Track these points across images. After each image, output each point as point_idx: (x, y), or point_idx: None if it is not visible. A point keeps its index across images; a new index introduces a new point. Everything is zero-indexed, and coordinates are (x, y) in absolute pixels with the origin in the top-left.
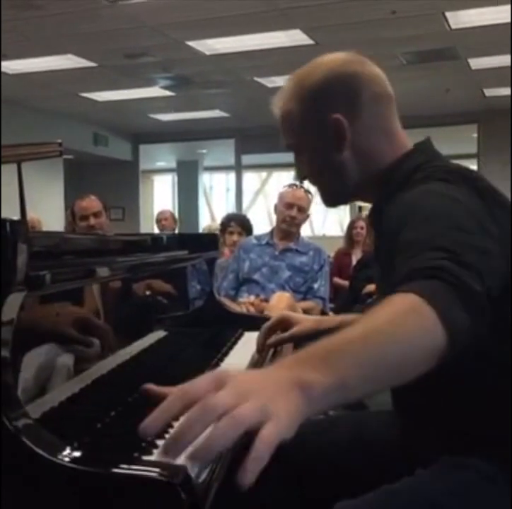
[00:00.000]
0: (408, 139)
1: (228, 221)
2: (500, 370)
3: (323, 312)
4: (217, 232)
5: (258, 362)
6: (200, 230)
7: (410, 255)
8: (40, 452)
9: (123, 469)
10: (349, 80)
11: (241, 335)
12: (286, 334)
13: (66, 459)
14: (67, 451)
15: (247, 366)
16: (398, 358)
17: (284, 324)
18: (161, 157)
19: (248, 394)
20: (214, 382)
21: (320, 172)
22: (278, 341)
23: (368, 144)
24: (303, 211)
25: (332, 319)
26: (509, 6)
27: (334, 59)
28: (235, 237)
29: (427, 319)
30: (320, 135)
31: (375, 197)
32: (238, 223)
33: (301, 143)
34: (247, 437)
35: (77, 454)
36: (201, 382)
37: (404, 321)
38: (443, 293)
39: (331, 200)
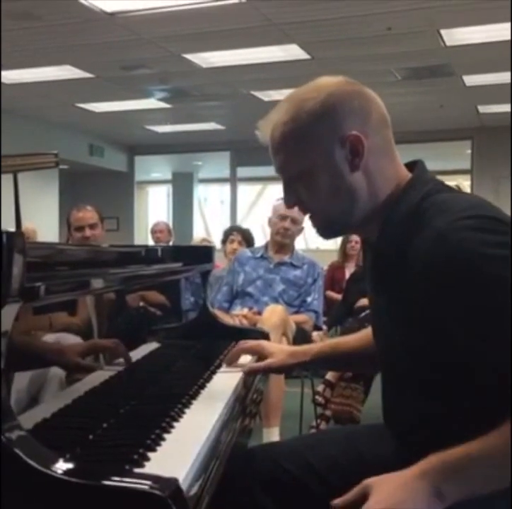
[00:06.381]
0: (404, 168)
1: (230, 230)
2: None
3: (316, 326)
4: (210, 244)
5: (247, 381)
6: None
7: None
8: (32, 463)
9: (114, 481)
10: (360, 99)
11: (233, 348)
12: (262, 364)
13: (58, 470)
14: (59, 462)
15: (238, 381)
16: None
17: (259, 351)
18: (156, 168)
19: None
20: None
21: (327, 197)
22: (253, 370)
23: (377, 167)
24: (297, 223)
25: (307, 350)
26: (503, 24)
27: (336, 80)
28: (235, 245)
29: None
30: (335, 153)
31: (375, 228)
32: (240, 232)
33: (306, 166)
34: None
35: (69, 465)
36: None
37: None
38: None
39: (329, 228)
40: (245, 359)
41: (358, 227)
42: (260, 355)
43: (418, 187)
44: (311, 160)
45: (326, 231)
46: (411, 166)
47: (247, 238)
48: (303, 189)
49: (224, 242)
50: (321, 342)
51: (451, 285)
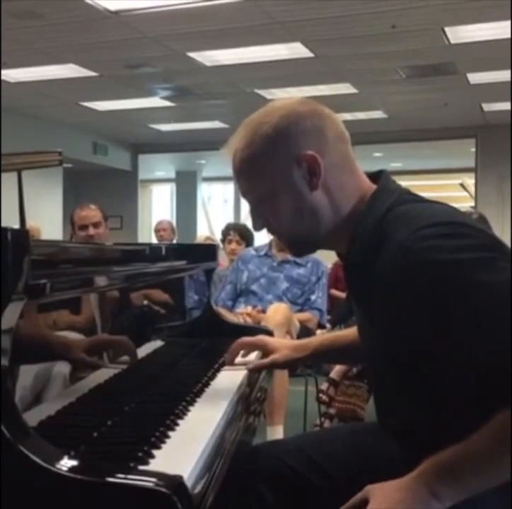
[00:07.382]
0: (367, 180)
1: (227, 230)
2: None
3: (320, 324)
4: (213, 242)
5: (251, 379)
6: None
7: (485, 370)
8: (37, 460)
9: (119, 478)
10: (313, 118)
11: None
12: (267, 361)
13: (63, 467)
14: (64, 460)
15: (242, 379)
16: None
17: (262, 347)
18: (160, 167)
19: None
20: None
21: (291, 218)
22: (258, 367)
23: (337, 183)
24: None
25: (308, 344)
26: (507, 22)
27: (289, 102)
28: (233, 245)
29: None
30: (293, 174)
31: (343, 242)
32: (237, 231)
33: (267, 190)
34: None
35: (73, 462)
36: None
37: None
38: None
39: (299, 248)
40: (250, 357)
41: (327, 243)
42: (264, 351)
43: (383, 199)
44: (271, 183)
45: (295, 250)
46: (376, 177)
47: (244, 236)
48: (267, 213)
49: (223, 241)
50: (321, 336)
51: (418, 295)
